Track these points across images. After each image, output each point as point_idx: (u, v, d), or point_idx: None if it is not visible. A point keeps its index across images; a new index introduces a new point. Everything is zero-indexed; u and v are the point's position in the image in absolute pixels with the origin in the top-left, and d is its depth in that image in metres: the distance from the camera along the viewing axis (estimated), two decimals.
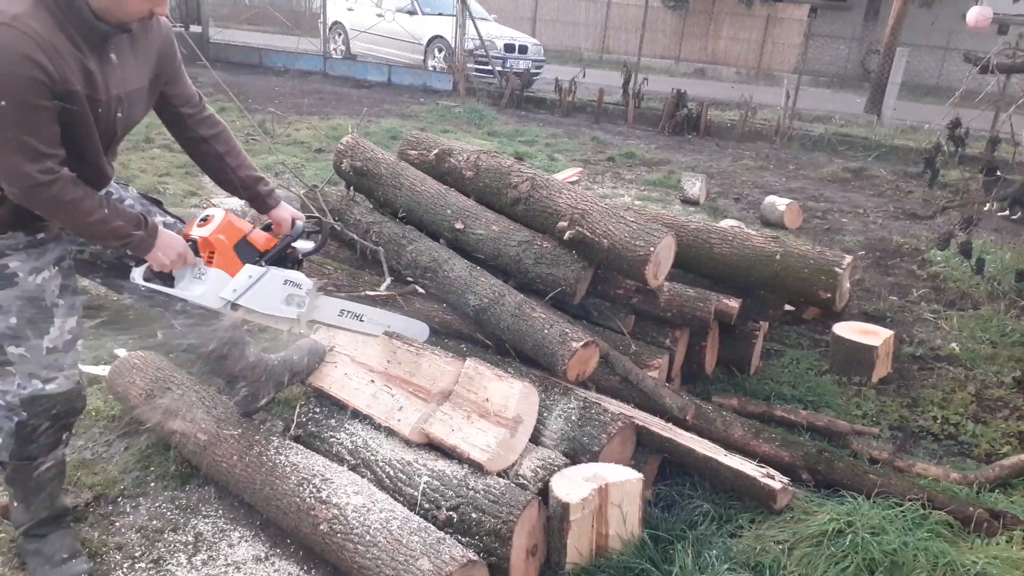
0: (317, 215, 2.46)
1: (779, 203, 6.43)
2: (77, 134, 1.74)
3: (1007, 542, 2.29)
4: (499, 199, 3.14)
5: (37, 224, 1.85)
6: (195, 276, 2.02)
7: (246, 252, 2.08)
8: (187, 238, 2.03)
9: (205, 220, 2.05)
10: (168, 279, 2.03)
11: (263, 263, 2.09)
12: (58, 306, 1.90)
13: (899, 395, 3.48)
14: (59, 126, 1.68)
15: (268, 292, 2.07)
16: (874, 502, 2.38)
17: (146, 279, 2.02)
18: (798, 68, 14.16)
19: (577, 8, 24.20)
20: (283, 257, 2.17)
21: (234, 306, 2.03)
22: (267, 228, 2.27)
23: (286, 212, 2.27)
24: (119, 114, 1.85)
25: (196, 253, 2.02)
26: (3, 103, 1.56)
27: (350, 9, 15.22)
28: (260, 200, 2.25)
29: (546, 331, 2.60)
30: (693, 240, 3.32)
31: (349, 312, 2.39)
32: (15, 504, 2.06)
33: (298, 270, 2.20)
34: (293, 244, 2.21)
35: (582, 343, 2.54)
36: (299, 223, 2.25)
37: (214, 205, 2.18)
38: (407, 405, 2.42)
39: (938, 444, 3.10)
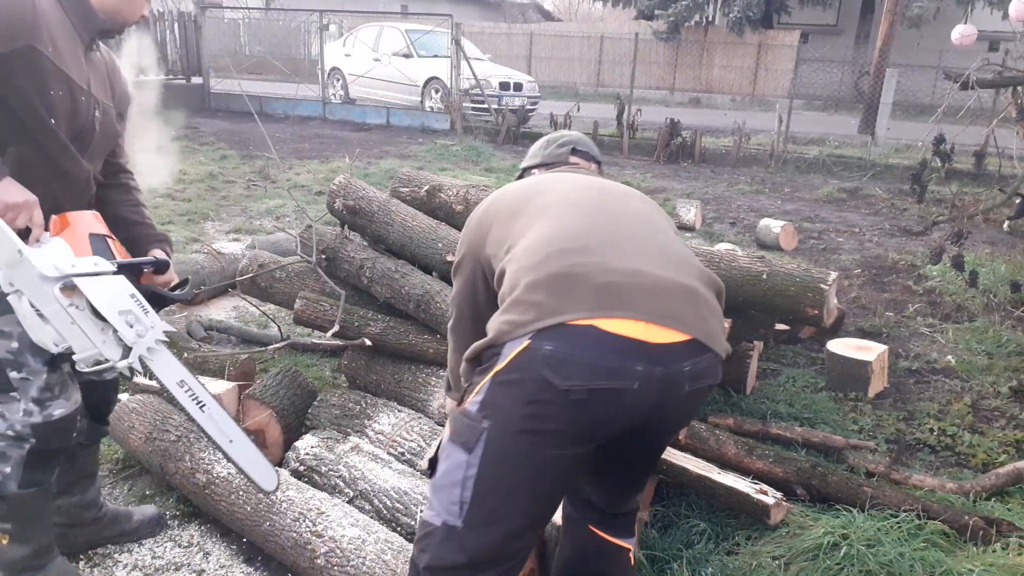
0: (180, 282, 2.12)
1: (774, 225, 6.49)
2: (36, 103, 1.73)
3: (1003, 549, 2.29)
4: None
5: None
6: (36, 244, 1.72)
7: (100, 247, 1.80)
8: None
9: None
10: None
11: (115, 263, 1.78)
12: None
13: (896, 409, 3.48)
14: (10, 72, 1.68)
15: (112, 292, 1.72)
16: (869, 514, 2.40)
17: None
18: (791, 93, 14.35)
19: (571, 44, 24.63)
20: (137, 277, 1.87)
21: (67, 288, 1.66)
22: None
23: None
24: (96, 113, 1.91)
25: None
26: None
27: (347, 55, 15.57)
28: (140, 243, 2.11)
29: None
30: None
31: (190, 391, 1.90)
32: (6, 542, 2.00)
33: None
34: (159, 282, 1.98)
35: None
36: (164, 257, 2.06)
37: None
38: None
39: (935, 456, 3.10)
